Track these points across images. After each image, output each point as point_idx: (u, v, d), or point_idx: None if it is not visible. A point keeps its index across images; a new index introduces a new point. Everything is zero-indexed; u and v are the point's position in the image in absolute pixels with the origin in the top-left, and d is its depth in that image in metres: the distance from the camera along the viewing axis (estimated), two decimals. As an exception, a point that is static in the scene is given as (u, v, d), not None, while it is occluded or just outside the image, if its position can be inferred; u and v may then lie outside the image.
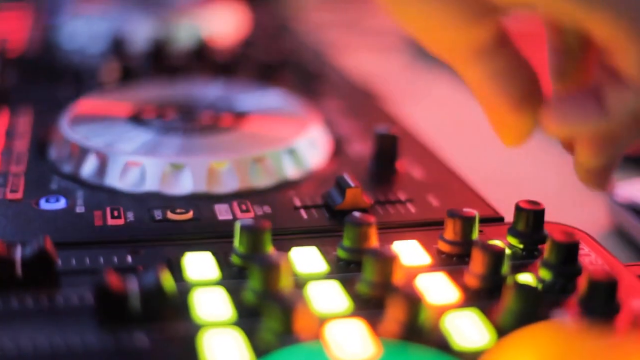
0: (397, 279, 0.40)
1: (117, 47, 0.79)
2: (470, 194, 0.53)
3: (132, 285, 0.39)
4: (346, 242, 0.44)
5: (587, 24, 0.37)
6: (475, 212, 0.45)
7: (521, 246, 0.45)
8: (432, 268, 0.43)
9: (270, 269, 0.39)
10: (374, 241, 0.44)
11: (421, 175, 0.55)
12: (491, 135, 0.44)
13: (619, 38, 0.37)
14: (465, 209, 0.45)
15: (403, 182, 0.54)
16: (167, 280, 0.39)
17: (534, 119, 0.41)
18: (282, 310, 0.36)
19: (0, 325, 0.38)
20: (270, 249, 0.43)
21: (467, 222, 0.44)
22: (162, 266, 0.40)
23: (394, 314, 0.37)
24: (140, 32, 0.83)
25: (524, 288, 0.38)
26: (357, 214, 0.44)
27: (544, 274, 0.42)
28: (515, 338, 0.35)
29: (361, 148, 0.59)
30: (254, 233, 0.42)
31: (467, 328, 0.38)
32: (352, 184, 0.49)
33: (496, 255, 0.41)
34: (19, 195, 0.51)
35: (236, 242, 0.43)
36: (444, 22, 0.39)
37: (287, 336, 0.36)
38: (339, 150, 0.59)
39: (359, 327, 0.37)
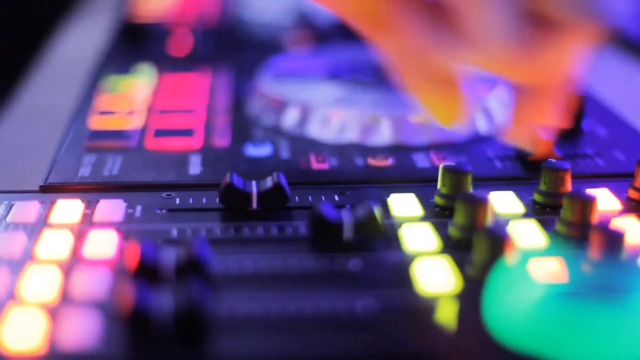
0: (594, 219, 0.42)
1: (302, 20, 0.82)
2: (655, 152, 0.54)
3: (346, 216, 0.42)
4: (543, 187, 0.46)
5: None
6: (666, 162, 0.46)
7: None
8: (623, 213, 0.45)
9: (477, 205, 0.41)
10: (569, 186, 0.46)
11: (606, 134, 0.57)
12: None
13: None
14: (655, 159, 0.47)
15: (589, 140, 0.56)
16: (378, 211, 0.42)
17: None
18: (492, 241, 0.39)
19: (222, 250, 0.41)
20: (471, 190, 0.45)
21: (658, 171, 0.46)
22: (373, 201, 0.43)
23: (596, 250, 0.39)
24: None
25: None
26: (553, 160, 0.46)
27: None
28: None
29: (545, 109, 0.61)
30: (457, 174, 0.45)
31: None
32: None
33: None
34: (226, 142, 0.55)
35: (439, 183, 0.46)
36: None
37: (495, 265, 0.39)
38: (524, 110, 0.61)
39: (558, 262, 0.39)
